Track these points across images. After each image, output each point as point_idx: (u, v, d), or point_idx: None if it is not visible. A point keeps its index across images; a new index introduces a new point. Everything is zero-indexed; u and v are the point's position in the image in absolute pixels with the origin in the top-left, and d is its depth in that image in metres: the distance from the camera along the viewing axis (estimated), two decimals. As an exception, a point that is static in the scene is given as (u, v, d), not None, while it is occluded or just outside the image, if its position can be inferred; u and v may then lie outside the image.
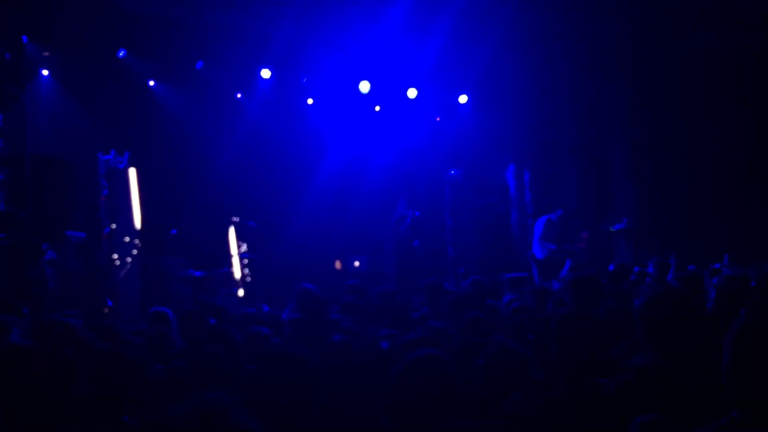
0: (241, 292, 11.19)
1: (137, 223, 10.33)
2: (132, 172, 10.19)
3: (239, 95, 11.90)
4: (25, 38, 9.60)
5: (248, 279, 11.44)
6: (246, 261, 11.43)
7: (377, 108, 13.22)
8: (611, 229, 12.68)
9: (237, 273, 11.30)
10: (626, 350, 3.69)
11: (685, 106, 12.37)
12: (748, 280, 5.73)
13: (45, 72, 10.45)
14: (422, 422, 2.47)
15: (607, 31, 11.56)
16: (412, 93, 12.95)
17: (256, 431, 1.92)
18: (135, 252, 10.31)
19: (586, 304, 4.56)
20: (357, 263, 12.71)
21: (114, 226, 10.06)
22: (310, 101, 12.65)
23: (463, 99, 13.57)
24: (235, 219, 11.15)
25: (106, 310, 9.83)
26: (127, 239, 10.25)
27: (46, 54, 10.28)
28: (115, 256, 10.00)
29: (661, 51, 11.90)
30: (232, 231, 11.29)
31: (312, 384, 2.75)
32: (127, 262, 10.11)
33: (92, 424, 3.24)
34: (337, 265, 12.76)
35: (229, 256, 11.41)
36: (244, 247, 11.40)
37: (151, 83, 10.96)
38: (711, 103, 12.25)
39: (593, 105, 13.30)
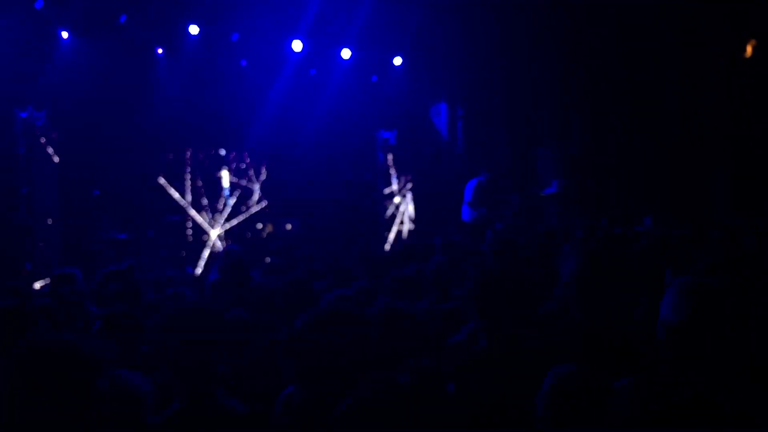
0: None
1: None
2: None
3: (160, 51, 11.43)
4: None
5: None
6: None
7: (312, 70, 12.95)
8: (541, 194, 12.74)
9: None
10: (549, 311, 3.67)
11: (615, 70, 12.44)
12: (674, 238, 5.79)
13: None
14: (325, 374, 2.43)
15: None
16: (346, 53, 12.71)
17: (105, 358, 1.84)
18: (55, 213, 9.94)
19: (507, 264, 4.55)
20: (289, 226, 12.56)
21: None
22: (241, 62, 12.27)
23: (397, 61, 13.41)
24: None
25: (24, 274, 9.46)
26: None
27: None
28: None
29: (592, 14, 11.91)
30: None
31: (219, 339, 2.66)
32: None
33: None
34: (269, 228, 12.56)
35: (155, 219, 11.13)
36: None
37: (65, 35, 10.36)
38: (640, 65, 12.30)
39: (524, 68, 13.28)
